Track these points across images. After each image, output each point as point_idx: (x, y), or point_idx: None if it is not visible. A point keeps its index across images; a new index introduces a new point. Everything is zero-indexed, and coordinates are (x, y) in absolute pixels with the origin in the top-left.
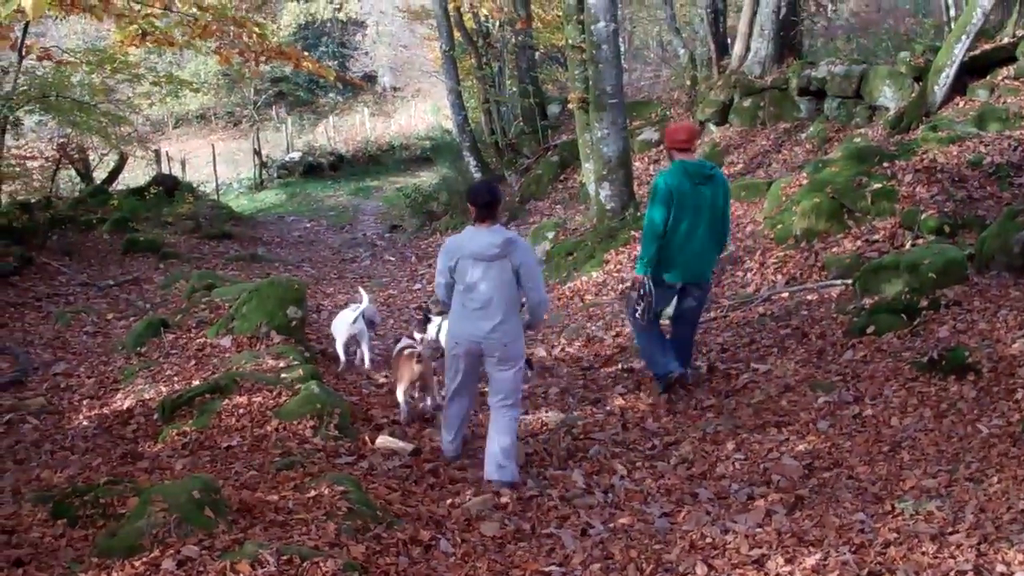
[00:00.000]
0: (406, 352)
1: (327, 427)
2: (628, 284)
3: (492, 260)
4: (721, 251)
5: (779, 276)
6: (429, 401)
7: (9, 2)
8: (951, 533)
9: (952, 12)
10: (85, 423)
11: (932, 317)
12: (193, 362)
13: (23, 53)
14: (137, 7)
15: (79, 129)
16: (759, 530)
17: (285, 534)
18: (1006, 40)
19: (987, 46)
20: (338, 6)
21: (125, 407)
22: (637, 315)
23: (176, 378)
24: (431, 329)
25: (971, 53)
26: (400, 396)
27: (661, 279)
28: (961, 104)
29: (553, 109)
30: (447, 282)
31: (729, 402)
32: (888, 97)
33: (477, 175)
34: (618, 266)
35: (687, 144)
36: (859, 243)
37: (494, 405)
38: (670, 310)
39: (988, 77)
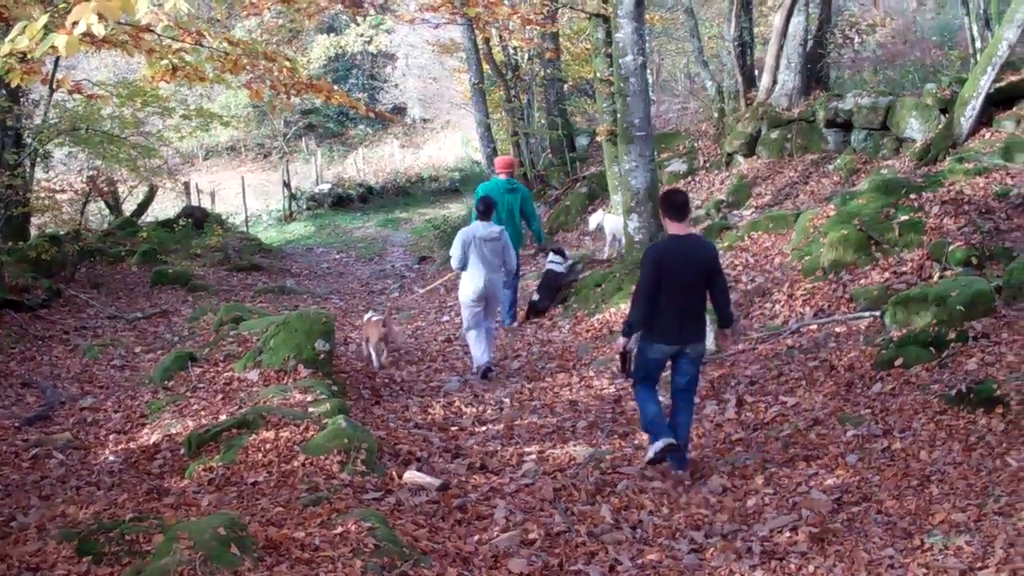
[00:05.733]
0: (373, 319)
1: (354, 462)
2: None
3: (494, 241)
4: (521, 237)
5: (807, 308)
6: (383, 358)
7: (44, 42)
8: (980, 568)
9: (978, 44)
10: (111, 458)
11: (960, 349)
12: (220, 396)
13: (54, 86)
14: (168, 42)
15: (109, 162)
16: (789, 565)
17: (311, 572)
18: None
19: (1013, 78)
20: (368, 39)
21: (152, 442)
22: None
23: (203, 412)
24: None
25: (997, 85)
26: (373, 351)
27: None
28: (987, 136)
29: (582, 141)
30: (462, 256)
31: (758, 435)
32: (915, 129)
33: None
34: None
35: (505, 170)
36: (887, 275)
37: (483, 323)
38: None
39: (1014, 109)
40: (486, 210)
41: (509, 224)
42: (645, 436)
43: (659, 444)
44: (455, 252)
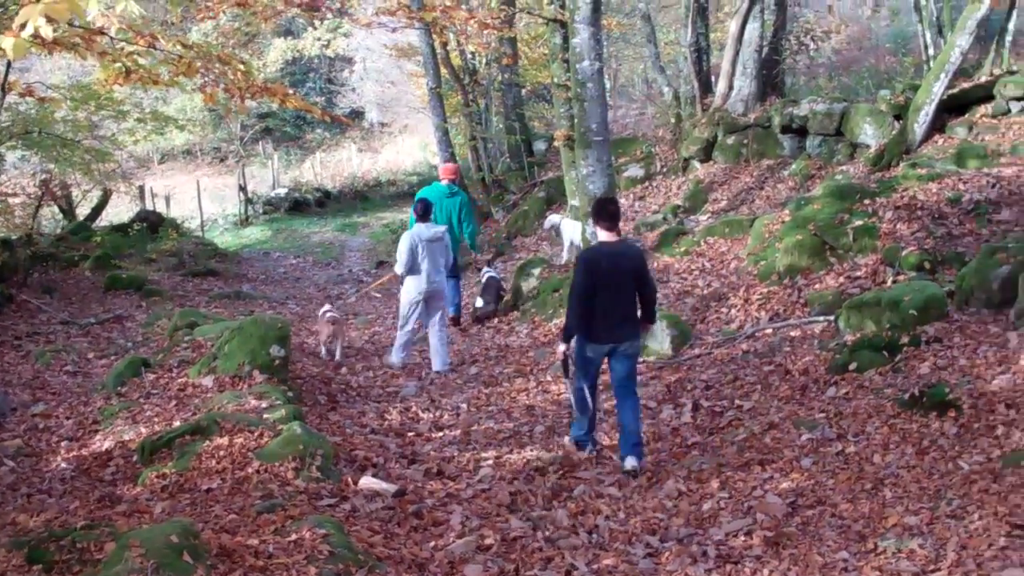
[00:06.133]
0: (327, 316)
1: (309, 468)
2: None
3: (437, 241)
4: (459, 241)
5: (763, 313)
6: (338, 353)
7: None
8: (933, 571)
9: (931, 51)
10: (63, 465)
11: (913, 354)
12: (174, 403)
13: (6, 90)
14: (121, 45)
15: (62, 165)
16: (744, 569)
17: None
18: (984, 79)
19: (965, 84)
20: (325, 43)
21: (104, 449)
22: None
23: (156, 419)
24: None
25: (950, 91)
26: (324, 346)
27: None
28: (940, 142)
29: (539, 146)
30: (410, 259)
31: (713, 439)
32: (869, 135)
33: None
34: None
35: (448, 176)
36: (841, 279)
37: (432, 324)
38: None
39: (967, 115)
40: (425, 211)
41: (448, 229)
42: (603, 440)
43: (580, 453)
44: (402, 257)
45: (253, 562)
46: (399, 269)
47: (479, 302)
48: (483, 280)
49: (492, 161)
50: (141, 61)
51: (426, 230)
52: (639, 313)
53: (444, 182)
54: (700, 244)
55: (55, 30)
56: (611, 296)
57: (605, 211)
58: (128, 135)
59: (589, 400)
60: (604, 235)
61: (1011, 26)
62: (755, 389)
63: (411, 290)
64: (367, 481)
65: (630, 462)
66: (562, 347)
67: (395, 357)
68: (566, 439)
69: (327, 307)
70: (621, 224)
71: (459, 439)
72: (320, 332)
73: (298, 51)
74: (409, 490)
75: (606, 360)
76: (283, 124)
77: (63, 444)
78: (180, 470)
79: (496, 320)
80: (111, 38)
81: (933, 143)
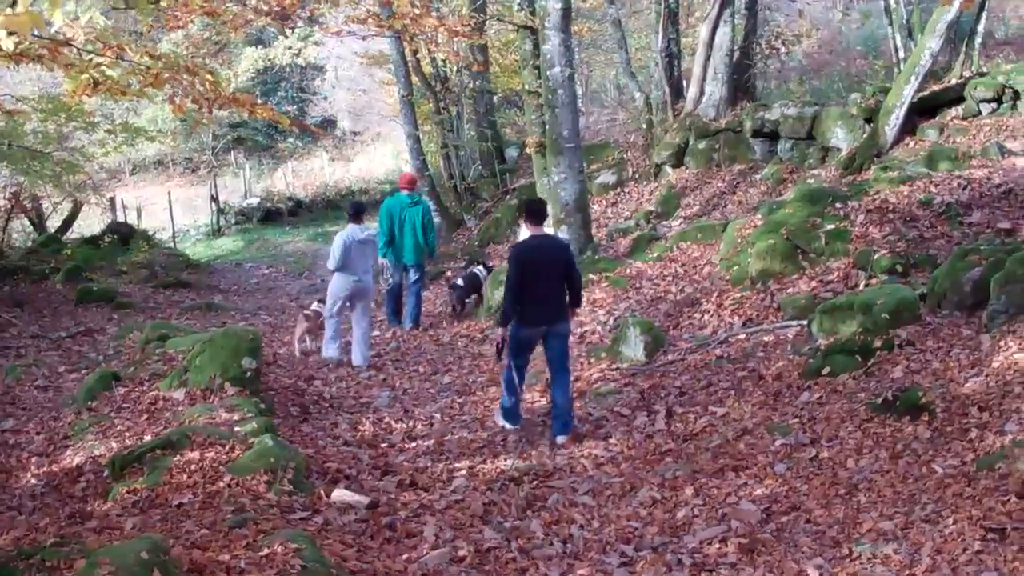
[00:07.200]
0: (303, 312)
1: (281, 482)
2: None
3: (366, 243)
4: (423, 247)
5: (736, 318)
6: (310, 346)
7: None
8: None
9: (902, 54)
10: (33, 481)
11: (886, 357)
12: (145, 416)
13: None
14: (88, 57)
15: (32, 178)
16: None
17: None
18: (954, 81)
19: (936, 87)
20: (296, 52)
21: (75, 464)
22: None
23: (127, 433)
24: None
25: (920, 94)
26: (296, 342)
27: (399, 264)
28: (911, 144)
29: (511, 153)
30: (342, 258)
31: (687, 446)
32: (840, 138)
33: (436, 219)
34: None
35: (407, 186)
36: (814, 284)
37: (356, 321)
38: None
39: (937, 117)
40: (357, 214)
41: (411, 236)
42: (574, 446)
43: (508, 427)
44: (335, 254)
45: None
46: (331, 265)
47: (459, 281)
48: (466, 273)
49: (464, 168)
50: (109, 72)
51: (359, 232)
52: (567, 299)
53: (404, 191)
54: (673, 250)
55: (19, 42)
56: (542, 283)
57: (534, 209)
58: (99, 147)
59: (517, 381)
60: (533, 230)
61: (981, 28)
62: (729, 395)
63: (339, 286)
64: (340, 493)
65: (561, 439)
66: (499, 331)
67: (329, 351)
68: (499, 421)
69: (315, 305)
70: (594, 230)
71: (432, 449)
72: (296, 329)
73: (269, 60)
74: (382, 502)
75: (542, 342)
76: (255, 134)
77: (33, 460)
78: (151, 485)
79: (468, 327)
80: (78, 49)
81: (904, 146)
